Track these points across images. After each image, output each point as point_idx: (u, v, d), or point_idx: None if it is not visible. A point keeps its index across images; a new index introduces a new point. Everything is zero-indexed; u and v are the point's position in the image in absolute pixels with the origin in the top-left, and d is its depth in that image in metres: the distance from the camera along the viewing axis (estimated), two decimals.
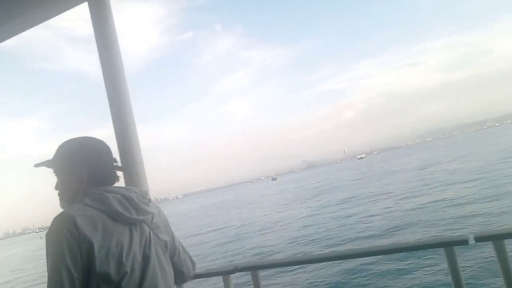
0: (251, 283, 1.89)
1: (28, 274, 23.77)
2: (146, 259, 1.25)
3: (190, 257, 1.58)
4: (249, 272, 1.91)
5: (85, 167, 1.29)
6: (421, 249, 1.70)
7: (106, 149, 1.39)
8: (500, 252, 1.50)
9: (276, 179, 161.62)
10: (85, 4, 1.84)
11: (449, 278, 1.57)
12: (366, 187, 30.25)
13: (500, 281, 1.52)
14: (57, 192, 1.34)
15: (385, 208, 17.89)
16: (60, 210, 1.21)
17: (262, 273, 1.94)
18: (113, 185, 1.35)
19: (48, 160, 1.33)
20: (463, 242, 1.52)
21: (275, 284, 9.53)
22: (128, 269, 1.15)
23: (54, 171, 1.33)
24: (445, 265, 1.61)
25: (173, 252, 1.47)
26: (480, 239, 1.53)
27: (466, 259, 7.71)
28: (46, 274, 1.09)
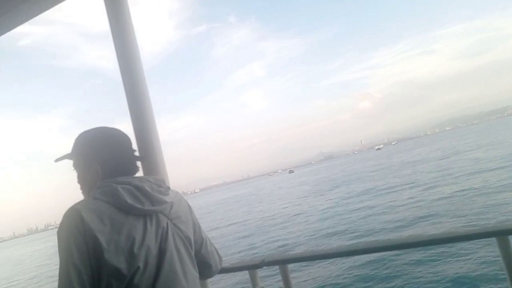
0: (275, 276, 1.79)
1: (52, 269, 24.36)
2: (162, 252, 1.16)
3: (217, 250, 1.52)
4: (275, 266, 1.84)
5: (97, 159, 1.25)
6: (472, 239, 1.58)
7: (123, 140, 1.32)
8: None
9: (293, 172, 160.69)
10: None
11: (493, 269, 1.43)
12: (386, 177, 29.76)
13: None
14: (79, 186, 1.32)
15: (410, 198, 17.52)
16: None
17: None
18: (134, 176, 1.28)
19: (67, 154, 1.31)
20: None
21: (302, 277, 9.39)
22: (141, 264, 1.09)
23: (73, 165, 1.31)
24: (488, 256, 1.47)
25: (200, 243, 1.40)
26: None
27: None
28: None
